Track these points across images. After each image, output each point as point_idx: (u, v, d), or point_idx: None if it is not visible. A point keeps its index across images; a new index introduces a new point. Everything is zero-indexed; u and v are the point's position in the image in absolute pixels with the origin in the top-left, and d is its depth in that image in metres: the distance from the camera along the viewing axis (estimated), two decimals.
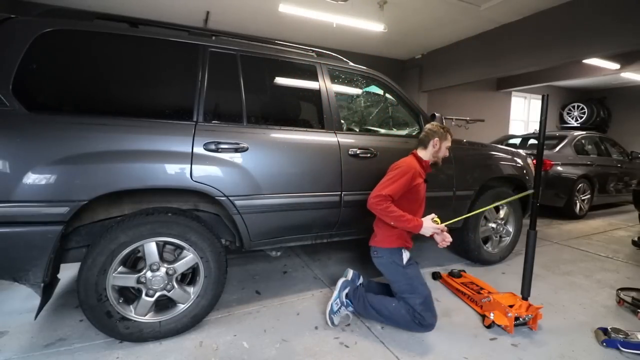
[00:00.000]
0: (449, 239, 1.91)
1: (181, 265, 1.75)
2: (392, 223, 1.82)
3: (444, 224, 1.89)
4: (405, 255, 1.91)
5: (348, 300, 1.95)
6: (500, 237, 3.01)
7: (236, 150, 1.81)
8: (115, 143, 1.56)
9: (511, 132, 9.41)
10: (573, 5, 4.57)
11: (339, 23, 5.17)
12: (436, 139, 2.01)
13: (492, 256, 2.94)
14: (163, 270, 1.71)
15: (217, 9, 5.10)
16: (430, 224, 1.84)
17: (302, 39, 6.16)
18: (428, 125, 2.09)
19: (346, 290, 1.95)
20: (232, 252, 2.87)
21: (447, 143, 2.07)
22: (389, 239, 1.92)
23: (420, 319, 1.74)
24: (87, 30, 1.68)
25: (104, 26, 1.74)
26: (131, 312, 1.68)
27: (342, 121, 2.31)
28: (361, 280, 2.09)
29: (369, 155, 2.20)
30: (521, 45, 5.20)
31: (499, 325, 1.91)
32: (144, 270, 1.68)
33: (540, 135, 1.93)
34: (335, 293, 1.94)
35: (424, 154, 2.05)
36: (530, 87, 8.61)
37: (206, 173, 1.73)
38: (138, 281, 1.67)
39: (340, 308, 1.91)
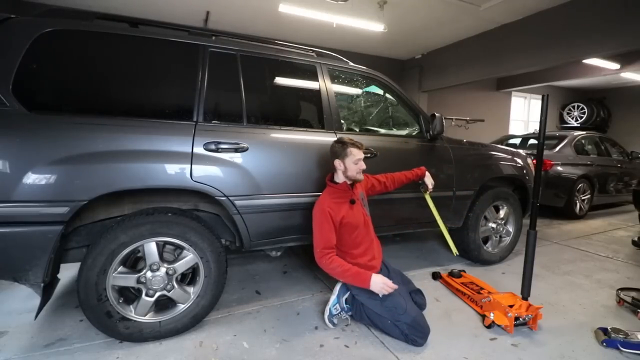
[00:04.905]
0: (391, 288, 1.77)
1: (181, 265, 1.75)
2: (339, 279, 1.78)
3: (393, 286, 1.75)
4: None
5: (348, 306, 1.94)
6: (500, 237, 3.01)
7: (236, 150, 1.81)
8: (116, 143, 1.56)
9: (511, 132, 9.41)
10: (573, 5, 4.57)
11: (339, 23, 5.17)
12: (337, 160, 1.87)
13: (492, 256, 2.93)
14: (163, 270, 1.71)
15: (217, 9, 5.10)
16: (379, 280, 1.74)
17: (302, 39, 6.16)
18: (331, 144, 1.93)
19: (346, 296, 1.93)
20: (232, 252, 2.87)
21: (354, 157, 1.86)
22: None
23: (413, 340, 1.73)
24: (87, 30, 1.68)
25: (104, 26, 1.75)
26: (131, 312, 1.68)
27: (342, 121, 2.31)
28: None
29: (369, 155, 2.20)
30: (521, 45, 5.20)
31: (499, 325, 1.91)
32: (144, 270, 1.68)
33: (540, 135, 1.93)
34: (334, 298, 1.92)
35: (337, 177, 1.93)
36: (530, 87, 8.61)
37: (206, 173, 1.73)
38: (138, 281, 1.67)
39: (339, 313, 1.91)
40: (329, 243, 1.81)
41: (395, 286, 1.77)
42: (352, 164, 1.87)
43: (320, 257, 1.80)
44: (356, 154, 1.88)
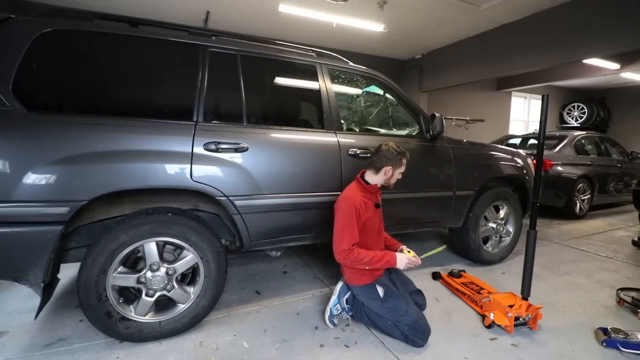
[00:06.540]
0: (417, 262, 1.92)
1: (181, 265, 1.75)
2: (367, 268, 1.81)
3: (420, 257, 1.94)
4: (381, 290, 1.84)
5: (349, 306, 1.94)
6: (500, 237, 3.00)
7: (236, 150, 1.81)
8: (116, 143, 1.56)
9: (511, 132, 9.41)
10: (573, 6, 4.57)
11: (339, 23, 5.17)
12: (389, 167, 1.86)
13: (492, 256, 2.93)
14: (163, 270, 1.71)
15: (217, 9, 5.10)
16: (403, 257, 1.85)
17: (302, 39, 6.16)
18: (383, 147, 1.88)
19: (347, 296, 1.93)
20: (232, 252, 2.87)
21: (402, 169, 1.92)
22: (356, 276, 1.87)
23: (413, 341, 1.73)
24: (87, 30, 1.68)
25: (104, 26, 1.75)
26: (131, 312, 1.68)
27: (342, 121, 2.31)
28: None
29: (369, 155, 2.20)
30: (521, 45, 5.20)
31: (499, 325, 1.91)
32: (144, 270, 1.68)
33: (540, 135, 1.93)
34: (335, 298, 1.92)
35: (373, 179, 1.90)
36: (530, 87, 8.61)
37: (206, 173, 1.73)
38: (138, 281, 1.67)
39: (340, 313, 1.91)
40: (355, 239, 1.77)
41: (419, 261, 1.90)
42: (398, 175, 1.93)
43: (347, 254, 1.74)
44: (404, 167, 1.93)
